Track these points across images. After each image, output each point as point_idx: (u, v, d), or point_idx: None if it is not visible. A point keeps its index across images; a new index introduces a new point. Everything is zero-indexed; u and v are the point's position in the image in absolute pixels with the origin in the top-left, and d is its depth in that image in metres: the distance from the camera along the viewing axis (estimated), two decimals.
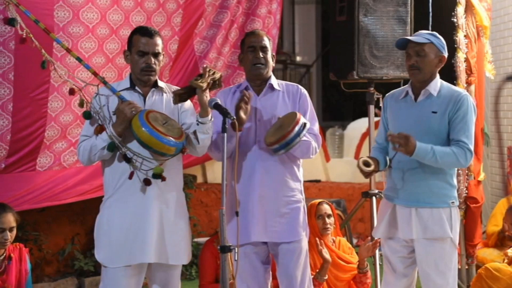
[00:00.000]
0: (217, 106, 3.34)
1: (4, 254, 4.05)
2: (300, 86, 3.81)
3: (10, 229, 4.00)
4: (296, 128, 3.40)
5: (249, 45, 3.68)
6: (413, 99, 3.64)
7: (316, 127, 3.72)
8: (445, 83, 3.68)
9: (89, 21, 4.70)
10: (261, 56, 3.63)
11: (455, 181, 3.66)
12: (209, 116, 3.39)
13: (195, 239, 6.37)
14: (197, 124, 3.39)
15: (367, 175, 3.60)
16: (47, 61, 3.48)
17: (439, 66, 3.62)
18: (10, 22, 3.44)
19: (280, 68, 9.63)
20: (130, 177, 3.34)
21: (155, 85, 3.50)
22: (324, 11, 10.91)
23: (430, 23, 5.39)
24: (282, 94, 3.71)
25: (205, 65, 3.35)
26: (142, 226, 3.36)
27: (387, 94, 3.85)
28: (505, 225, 5.47)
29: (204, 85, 3.31)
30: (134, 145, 3.33)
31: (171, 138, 3.23)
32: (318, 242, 4.37)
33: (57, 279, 5.55)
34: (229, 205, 3.61)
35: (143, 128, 3.19)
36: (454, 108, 3.54)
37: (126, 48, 3.54)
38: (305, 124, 3.45)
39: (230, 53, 5.59)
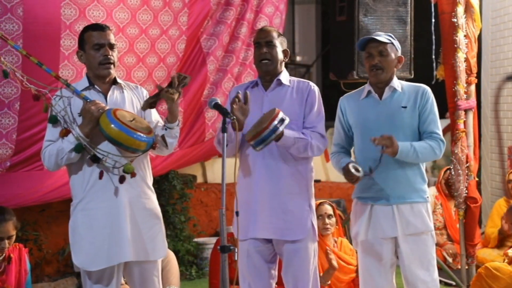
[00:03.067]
0: (217, 106, 3.34)
1: (4, 255, 4.04)
2: (311, 83, 3.75)
3: (9, 238, 3.99)
4: (272, 125, 3.36)
5: (256, 42, 3.67)
6: (377, 97, 3.67)
7: (321, 126, 3.66)
8: (402, 81, 3.76)
9: (95, 19, 4.71)
10: (266, 51, 3.60)
11: (425, 176, 3.74)
12: (177, 122, 3.39)
13: (195, 239, 6.37)
14: (165, 129, 3.38)
15: (355, 180, 3.58)
16: (8, 70, 3.43)
17: (398, 67, 3.70)
18: None
19: None
20: (100, 176, 3.30)
21: (114, 82, 3.46)
22: (324, 11, 10.87)
23: (432, 22, 5.39)
24: (291, 90, 3.67)
25: (173, 74, 3.32)
26: (117, 225, 3.33)
27: (341, 98, 3.85)
28: (505, 225, 5.47)
29: (176, 96, 3.29)
30: (102, 145, 3.30)
31: (141, 133, 3.21)
32: (329, 251, 4.38)
33: (57, 279, 5.55)
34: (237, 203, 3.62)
35: (113, 125, 3.16)
36: (422, 101, 3.64)
37: (78, 48, 3.47)
38: (283, 120, 3.39)
39: (243, 50, 5.58)
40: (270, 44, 3.62)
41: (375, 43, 3.61)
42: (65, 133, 3.28)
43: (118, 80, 3.48)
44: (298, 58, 10.82)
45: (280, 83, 3.67)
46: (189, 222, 6.40)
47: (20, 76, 3.43)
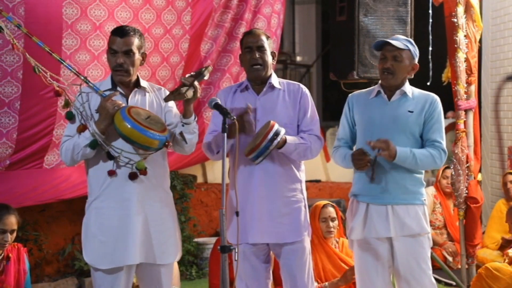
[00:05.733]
0: (217, 106, 3.34)
1: (3, 255, 4.05)
2: (301, 85, 3.77)
3: (11, 231, 4.01)
4: (267, 139, 3.40)
5: (246, 46, 3.65)
6: (386, 98, 3.67)
7: (317, 128, 3.69)
8: (414, 87, 3.75)
9: (96, 18, 4.71)
10: (258, 56, 3.60)
11: (423, 180, 3.73)
12: (193, 116, 3.37)
13: (195, 239, 6.37)
14: (182, 125, 3.36)
15: (364, 165, 3.56)
16: (36, 66, 3.44)
17: (411, 74, 3.69)
18: None
19: (280, 68, 9.63)
20: (110, 174, 3.30)
21: (137, 85, 3.45)
22: (324, 11, 10.89)
23: (430, 23, 5.40)
24: (283, 93, 3.68)
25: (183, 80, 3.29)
26: (127, 226, 3.33)
27: (351, 94, 3.86)
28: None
29: (190, 93, 3.26)
30: (117, 142, 3.30)
31: (154, 131, 3.20)
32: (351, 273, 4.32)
33: (57, 279, 5.54)
34: (230, 206, 3.61)
35: (126, 122, 3.16)
36: (430, 109, 3.63)
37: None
38: (277, 133, 3.42)
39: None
40: (262, 49, 3.62)
41: (391, 47, 3.60)
42: (82, 128, 3.29)
43: (142, 83, 3.47)
44: (298, 58, 10.84)
45: (272, 86, 3.68)
46: (189, 222, 6.40)
47: (43, 72, 3.42)
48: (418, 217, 3.64)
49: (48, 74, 3.43)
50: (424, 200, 3.70)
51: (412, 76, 3.75)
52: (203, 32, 5.39)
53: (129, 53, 3.35)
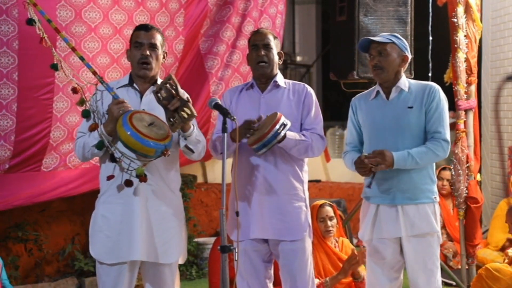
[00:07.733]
0: (217, 106, 3.34)
1: None
2: (306, 85, 3.78)
3: None
4: (274, 129, 3.39)
5: (252, 44, 3.68)
6: (385, 98, 3.67)
7: (320, 127, 3.69)
8: (411, 80, 3.74)
9: (91, 20, 4.71)
10: (263, 54, 3.62)
11: (435, 176, 3.71)
12: (191, 128, 3.34)
13: (195, 239, 6.37)
14: (184, 139, 3.35)
15: (368, 171, 3.55)
16: (58, 62, 3.45)
17: (402, 66, 3.66)
18: (29, 22, 3.43)
19: (280, 68, 9.61)
20: (108, 179, 3.32)
21: (154, 83, 3.47)
22: (324, 11, 10.89)
23: (430, 23, 5.40)
24: (288, 92, 3.69)
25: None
26: (131, 223, 3.35)
27: (353, 98, 3.85)
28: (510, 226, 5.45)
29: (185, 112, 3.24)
30: (121, 146, 3.30)
31: (150, 139, 3.17)
32: (364, 253, 4.30)
33: (57, 279, 5.54)
34: (232, 204, 3.62)
35: (123, 128, 3.17)
36: (428, 99, 3.60)
37: (128, 48, 3.53)
38: (284, 125, 3.42)
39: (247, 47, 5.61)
40: (268, 47, 3.64)
41: (375, 44, 3.63)
42: (93, 128, 3.32)
43: (159, 82, 3.47)
44: (298, 58, 10.83)
45: (276, 85, 3.69)
46: (189, 222, 6.40)
47: (65, 69, 3.44)
48: (428, 216, 3.62)
49: (70, 70, 3.45)
50: (435, 198, 3.67)
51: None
52: (198, 32, 5.39)
53: (154, 47, 3.41)
